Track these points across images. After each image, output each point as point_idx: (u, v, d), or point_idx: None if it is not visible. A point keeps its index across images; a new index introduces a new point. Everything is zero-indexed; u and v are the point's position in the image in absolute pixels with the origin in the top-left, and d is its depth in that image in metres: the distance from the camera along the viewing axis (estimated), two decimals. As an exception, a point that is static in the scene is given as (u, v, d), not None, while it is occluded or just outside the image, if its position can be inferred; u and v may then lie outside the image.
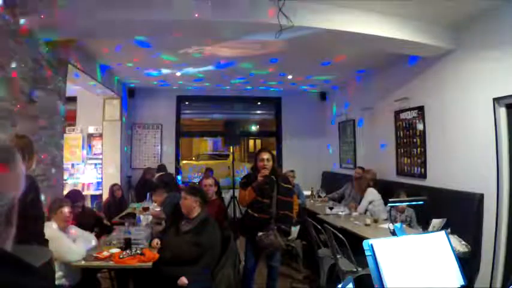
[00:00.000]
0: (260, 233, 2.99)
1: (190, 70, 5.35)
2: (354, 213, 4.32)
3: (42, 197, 2.54)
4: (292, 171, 5.53)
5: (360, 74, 5.90)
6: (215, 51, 4.53)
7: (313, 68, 5.54)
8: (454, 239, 3.26)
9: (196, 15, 2.96)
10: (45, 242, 2.07)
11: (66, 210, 2.68)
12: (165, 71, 5.56)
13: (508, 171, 3.18)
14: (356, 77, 6.07)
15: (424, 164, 4.24)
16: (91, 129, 6.61)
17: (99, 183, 6.43)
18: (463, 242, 3.30)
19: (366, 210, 4.37)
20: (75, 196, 3.52)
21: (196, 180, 7.45)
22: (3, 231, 0.60)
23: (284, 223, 3.07)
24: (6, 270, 0.55)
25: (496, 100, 3.21)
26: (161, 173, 6.01)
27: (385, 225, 3.55)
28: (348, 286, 1.15)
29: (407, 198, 3.40)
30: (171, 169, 6.59)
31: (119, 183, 5.68)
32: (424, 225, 3.66)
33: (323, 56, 4.90)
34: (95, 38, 3.93)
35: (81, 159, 6.55)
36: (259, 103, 7.86)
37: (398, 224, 1.45)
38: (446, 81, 3.87)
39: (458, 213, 3.45)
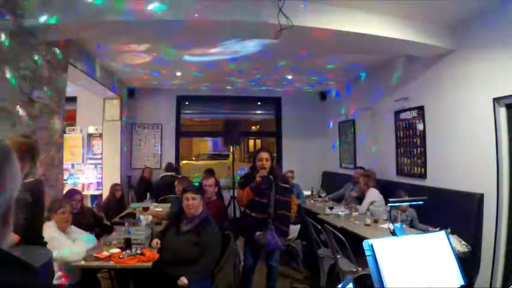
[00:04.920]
0: (258, 233, 2.99)
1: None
2: (354, 213, 4.32)
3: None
4: (291, 171, 5.53)
5: (360, 74, 5.90)
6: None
7: (313, 68, 5.54)
8: (454, 239, 3.26)
9: (196, 15, 2.96)
10: (44, 243, 2.07)
11: (66, 210, 2.68)
12: (165, 70, 5.57)
13: (508, 171, 3.18)
14: (356, 77, 6.07)
15: (424, 164, 4.24)
16: (91, 129, 6.61)
17: (99, 183, 6.43)
18: (463, 242, 3.30)
19: (367, 210, 4.37)
20: (72, 192, 3.54)
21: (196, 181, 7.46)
22: (0, 231, 0.60)
23: (282, 223, 3.07)
24: (5, 270, 0.55)
25: (496, 100, 3.21)
26: (168, 174, 6.00)
27: (385, 225, 3.54)
28: (348, 286, 1.15)
29: (407, 198, 3.39)
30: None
31: (120, 183, 5.68)
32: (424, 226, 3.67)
33: (323, 56, 4.90)
34: (95, 38, 3.94)
35: (81, 159, 6.55)
36: (259, 103, 7.86)
37: (398, 224, 1.45)
38: (446, 81, 3.87)
39: (458, 213, 3.45)
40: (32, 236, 1.89)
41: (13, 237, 1.54)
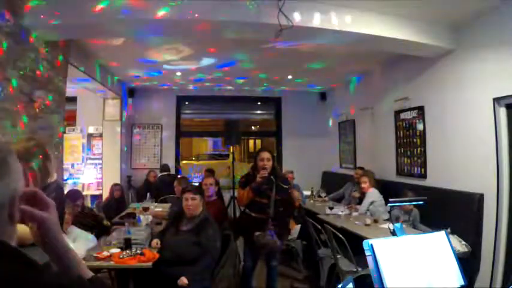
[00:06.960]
0: (257, 233, 2.99)
1: (190, 66, 5.29)
2: (354, 213, 4.32)
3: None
4: (291, 172, 5.53)
5: (359, 74, 5.90)
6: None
7: (313, 68, 5.54)
8: (454, 239, 3.26)
9: (196, 15, 2.96)
10: None
11: (66, 210, 2.68)
12: (165, 70, 5.56)
13: (508, 171, 3.18)
14: (356, 77, 6.07)
15: (424, 164, 4.24)
16: (91, 129, 6.60)
17: (99, 183, 6.43)
18: (463, 242, 3.29)
19: (367, 210, 4.37)
20: (75, 195, 3.52)
21: (196, 180, 7.47)
22: (8, 228, 0.61)
23: (282, 223, 3.07)
24: (12, 265, 0.55)
25: (496, 100, 3.21)
26: (164, 173, 6.03)
27: (385, 225, 3.54)
28: (348, 286, 1.14)
29: (406, 198, 3.39)
30: (171, 169, 6.59)
31: (119, 183, 5.69)
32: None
33: (323, 56, 4.90)
34: (95, 38, 3.94)
35: (81, 159, 6.55)
36: (259, 103, 7.86)
37: (398, 224, 1.44)
38: (446, 81, 3.87)
39: (458, 213, 3.45)
40: None
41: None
